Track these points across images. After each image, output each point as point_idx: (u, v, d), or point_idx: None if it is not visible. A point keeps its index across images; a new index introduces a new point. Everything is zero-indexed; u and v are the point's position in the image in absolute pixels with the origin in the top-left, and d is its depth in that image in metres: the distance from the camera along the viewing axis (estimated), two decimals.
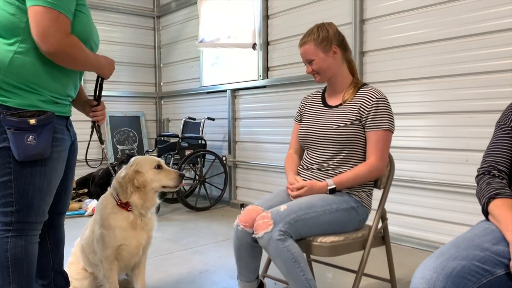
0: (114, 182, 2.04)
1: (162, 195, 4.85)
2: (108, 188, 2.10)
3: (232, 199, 5.00)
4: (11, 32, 1.54)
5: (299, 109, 2.21)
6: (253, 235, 1.79)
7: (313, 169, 2.01)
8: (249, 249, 1.90)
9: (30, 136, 1.54)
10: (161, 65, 6.26)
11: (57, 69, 1.63)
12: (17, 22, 1.53)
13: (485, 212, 1.39)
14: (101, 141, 2.04)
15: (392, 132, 1.95)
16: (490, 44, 2.93)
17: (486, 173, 1.47)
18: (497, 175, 1.45)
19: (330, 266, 2.34)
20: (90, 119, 1.97)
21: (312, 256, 2.30)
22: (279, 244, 1.70)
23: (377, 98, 1.92)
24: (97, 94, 1.93)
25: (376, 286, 2.51)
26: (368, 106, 1.91)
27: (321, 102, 2.10)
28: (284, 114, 4.37)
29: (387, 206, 1.99)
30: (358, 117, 1.93)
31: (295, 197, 1.92)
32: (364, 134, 1.94)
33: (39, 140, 1.57)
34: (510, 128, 1.49)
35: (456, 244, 1.24)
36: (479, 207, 2.92)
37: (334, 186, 1.89)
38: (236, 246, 1.93)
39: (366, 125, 1.92)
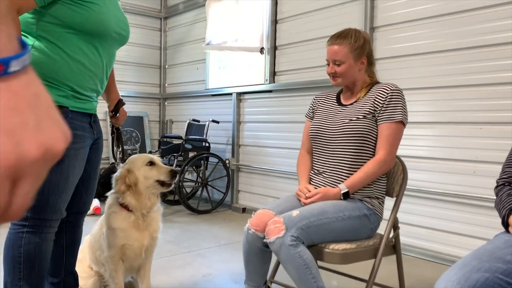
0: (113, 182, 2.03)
1: (163, 197, 4.82)
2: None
3: (234, 203, 4.97)
4: (24, 28, 1.52)
5: (311, 105, 2.20)
6: (265, 240, 1.76)
7: (325, 173, 1.99)
8: (259, 253, 1.87)
9: None
10: (166, 66, 6.24)
11: (76, 63, 1.59)
12: (27, 17, 1.51)
13: (506, 224, 1.37)
14: (120, 144, 2.03)
15: (405, 125, 1.92)
16: (499, 56, 2.92)
17: (506, 184, 1.46)
18: None
19: (336, 274, 2.31)
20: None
21: (319, 263, 2.27)
22: (291, 250, 1.68)
23: (391, 90, 1.90)
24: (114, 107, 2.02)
25: None
26: (382, 98, 1.90)
27: (335, 101, 2.10)
28: (290, 119, 4.35)
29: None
30: (372, 111, 1.91)
31: (307, 204, 1.89)
32: (376, 129, 1.92)
33: None
34: None
35: (477, 256, 1.22)
36: (487, 219, 2.95)
37: (347, 190, 1.87)
38: (245, 250, 1.90)
39: (379, 117, 1.90)
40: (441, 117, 3.23)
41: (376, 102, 1.91)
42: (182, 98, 5.94)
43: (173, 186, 2.02)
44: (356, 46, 1.94)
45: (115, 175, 1.99)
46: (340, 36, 1.97)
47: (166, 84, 6.26)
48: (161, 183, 1.98)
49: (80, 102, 1.65)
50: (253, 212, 1.94)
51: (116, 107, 2.03)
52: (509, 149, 2.83)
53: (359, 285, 2.42)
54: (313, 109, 2.18)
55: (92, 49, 1.65)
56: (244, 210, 4.83)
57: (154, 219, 2.03)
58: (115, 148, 2.14)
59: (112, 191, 2.05)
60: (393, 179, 2.03)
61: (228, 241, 3.65)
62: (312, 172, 2.08)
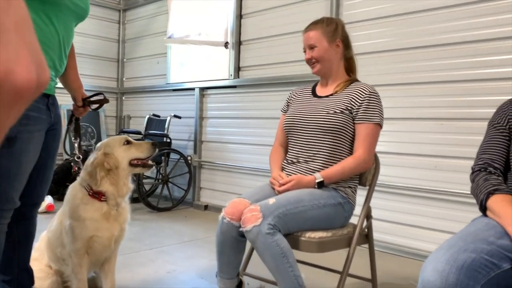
0: (82, 171, 1.90)
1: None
2: (77, 178, 1.96)
3: (195, 200, 4.86)
4: None
5: (287, 100, 2.18)
6: (241, 229, 1.71)
7: (299, 162, 1.96)
8: (233, 243, 1.82)
9: None
10: (125, 59, 6.03)
11: None
12: None
13: (483, 208, 1.39)
14: (77, 136, 1.91)
15: (381, 127, 1.95)
16: (458, 54, 3.03)
17: (482, 169, 1.48)
18: (493, 172, 1.46)
19: (309, 266, 2.29)
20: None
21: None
22: (268, 238, 1.63)
23: (370, 91, 1.92)
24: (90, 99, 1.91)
25: (357, 285, 2.49)
26: (361, 98, 1.90)
27: (311, 93, 2.08)
28: (254, 115, 4.32)
29: (357, 209, 1.98)
30: (349, 108, 1.91)
31: (281, 192, 1.86)
32: (352, 125, 1.92)
33: None
34: (504, 127, 1.52)
35: (462, 237, 1.23)
36: (448, 212, 3.04)
37: (322, 180, 1.85)
38: (219, 241, 1.84)
39: (357, 117, 1.90)
40: (403, 113, 3.31)
41: (353, 100, 1.91)
42: (141, 93, 5.76)
43: (150, 168, 1.95)
44: (329, 29, 1.96)
45: (88, 162, 1.87)
46: (313, 22, 2.02)
47: (124, 78, 6.05)
48: (142, 165, 1.91)
49: None
50: (223, 208, 1.87)
51: (101, 103, 1.94)
52: (469, 144, 2.97)
53: (330, 276, 2.42)
54: (288, 102, 2.16)
55: (45, 19, 1.49)
56: (206, 207, 4.73)
57: (125, 209, 1.93)
58: (72, 139, 2.01)
59: (78, 180, 1.92)
60: None
61: (192, 237, 3.56)
62: (285, 161, 2.05)
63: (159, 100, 5.48)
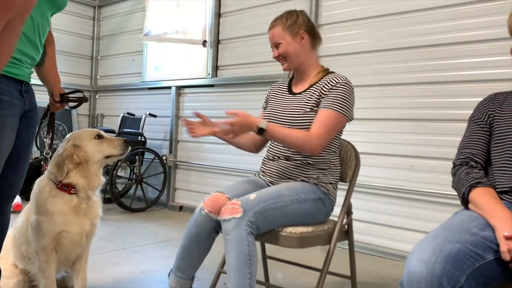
0: (50, 163, 1.83)
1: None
2: (45, 172, 1.87)
3: (170, 201, 4.77)
4: None
5: (266, 96, 2.14)
6: (219, 218, 1.66)
7: (280, 159, 1.93)
8: (203, 238, 1.77)
9: None
10: (99, 57, 5.89)
11: None
12: None
13: (465, 201, 1.40)
14: (51, 130, 1.86)
15: (345, 119, 1.84)
16: (434, 56, 3.08)
17: (464, 163, 1.49)
18: (474, 166, 1.47)
19: (288, 264, 2.26)
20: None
21: (273, 249, 2.20)
22: (243, 234, 1.59)
23: (337, 82, 1.84)
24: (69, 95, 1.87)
25: (335, 283, 2.48)
26: (327, 88, 1.85)
27: (286, 90, 2.04)
28: None
29: (336, 210, 1.96)
30: (318, 103, 1.86)
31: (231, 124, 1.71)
32: None
33: None
34: (484, 123, 1.53)
35: (447, 228, 1.22)
36: (424, 212, 3.07)
37: (264, 127, 1.72)
38: (189, 233, 1.78)
39: (320, 105, 1.84)
40: (379, 114, 3.34)
41: (322, 91, 1.86)
42: (116, 91, 5.63)
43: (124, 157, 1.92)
44: (289, 23, 1.91)
45: (57, 153, 1.79)
46: (274, 19, 1.97)
47: (98, 76, 5.90)
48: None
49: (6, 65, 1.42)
50: (202, 199, 1.82)
51: (80, 101, 1.91)
52: (445, 144, 3.01)
53: (306, 274, 2.40)
54: (267, 99, 2.12)
55: None
56: (181, 208, 4.65)
57: (95, 203, 1.85)
58: (43, 135, 1.93)
59: (45, 174, 1.84)
60: (346, 164, 2.03)
61: (166, 238, 3.47)
62: (265, 157, 2.02)
63: (134, 98, 5.36)
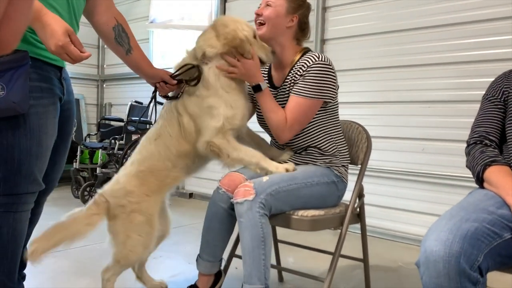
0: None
1: (101, 184, 4.52)
2: None
3: (180, 188, 4.78)
4: None
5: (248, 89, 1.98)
6: (232, 200, 1.66)
7: (288, 147, 1.93)
8: (224, 217, 1.77)
9: None
10: (105, 46, 5.87)
11: None
12: None
13: (480, 180, 1.37)
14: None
15: (320, 100, 1.76)
16: (447, 36, 3.02)
17: (478, 142, 1.46)
18: (489, 144, 1.44)
19: (298, 247, 2.25)
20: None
21: (285, 232, 2.20)
22: (256, 217, 1.59)
23: (309, 64, 1.75)
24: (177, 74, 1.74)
25: (348, 267, 2.47)
26: (299, 74, 1.77)
27: (267, 82, 1.92)
28: None
29: (347, 193, 1.94)
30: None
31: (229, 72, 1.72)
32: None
33: (9, 90, 1.22)
34: (499, 100, 1.50)
35: (463, 207, 1.20)
36: (436, 195, 3.03)
37: (262, 88, 1.74)
38: (210, 213, 1.79)
39: (291, 90, 1.78)
40: (389, 97, 3.29)
41: (294, 79, 1.78)
42: (123, 80, 5.62)
43: None
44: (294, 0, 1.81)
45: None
46: None
47: (104, 65, 5.90)
48: None
49: (42, 49, 1.34)
50: (218, 180, 1.81)
51: (198, 77, 1.73)
52: (456, 126, 2.97)
53: (317, 258, 2.40)
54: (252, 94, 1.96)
55: None
56: (191, 195, 4.67)
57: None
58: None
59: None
60: (357, 147, 2.01)
61: (177, 224, 3.48)
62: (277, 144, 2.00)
63: (141, 87, 5.34)
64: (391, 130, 3.28)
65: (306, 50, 1.86)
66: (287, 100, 1.81)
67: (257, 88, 1.75)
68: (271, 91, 1.86)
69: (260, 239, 1.60)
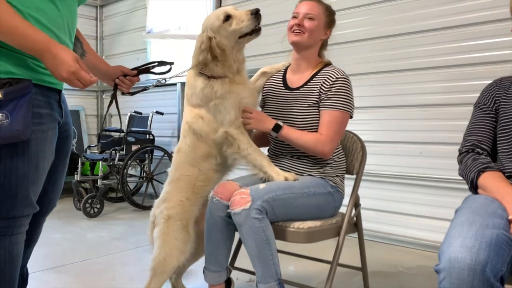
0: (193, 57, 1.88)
1: (105, 194, 4.55)
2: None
3: None
4: None
5: (261, 94, 2.10)
6: (229, 210, 1.67)
7: (284, 156, 1.94)
8: (223, 228, 1.77)
9: (0, 115, 1.24)
10: (103, 56, 5.90)
11: (32, 21, 1.30)
12: None
13: (475, 186, 1.38)
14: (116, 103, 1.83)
15: (349, 114, 1.87)
16: (439, 40, 3.03)
17: (470, 151, 1.47)
18: (481, 153, 1.45)
19: (297, 257, 2.26)
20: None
21: (280, 244, 2.21)
22: (255, 223, 1.60)
23: (336, 77, 1.84)
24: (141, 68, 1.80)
25: (347, 274, 2.47)
26: (327, 86, 1.84)
27: (281, 84, 2.00)
28: None
29: (347, 198, 1.95)
30: (317, 99, 1.85)
31: (244, 118, 1.84)
32: None
33: (13, 119, 1.24)
34: (490, 109, 1.50)
35: (476, 211, 1.19)
36: (434, 198, 3.03)
37: (281, 124, 1.83)
38: (208, 225, 1.79)
39: (321, 105, 1.84)
40: (386, 101, 3.30)
41: (321, 89, 1.85)
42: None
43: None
44: (329, 12, 1.94)
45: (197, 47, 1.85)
46: None
47: (101, 81, 5.91)
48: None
49: (43, 74, 1.37)
50: (211, 191, 1.82)
51: (169, 63, 1.86)
52: (453, 129, 2.97)
53: (317, 266, 2.40)
54: (264, 97, 2.07)
55: (49, 4, 1.36)
56: None
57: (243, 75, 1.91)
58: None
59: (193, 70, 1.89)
60: (352, 156, 2.02)
61: None
62: (271, 152, 2.02)
63: (140, 97, 5.33)
64: (389, 134, 3.29)
65: (329, 63, 1.98)
66: (306, 102, 1.87)
67: (276, 128, 1.82)
68: (286, 93, 1.96)
69: (264, 242, 1.63)
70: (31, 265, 1.69)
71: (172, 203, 1.88)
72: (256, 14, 1.76)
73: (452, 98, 2.99)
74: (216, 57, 1.77)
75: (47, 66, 1.32)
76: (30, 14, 1.31)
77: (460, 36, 2.95)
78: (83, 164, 4.52)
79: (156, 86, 2.08)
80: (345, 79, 1.86)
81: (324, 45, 2.01)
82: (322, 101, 1.84)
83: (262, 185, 1.70)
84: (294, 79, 1.97)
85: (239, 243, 2.09)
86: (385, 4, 3.27)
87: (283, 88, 1.98)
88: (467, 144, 1.49)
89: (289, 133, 1.83)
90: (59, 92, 1.49)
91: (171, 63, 1.87)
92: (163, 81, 1.98)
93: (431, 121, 3.09)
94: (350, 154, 2.02)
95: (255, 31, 1.79)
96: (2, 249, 1.35)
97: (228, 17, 1.77)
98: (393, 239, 3.24)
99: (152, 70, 1.86)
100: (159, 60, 1.88)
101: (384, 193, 3.31)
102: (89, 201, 4.14)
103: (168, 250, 1.84)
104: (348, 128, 1.96)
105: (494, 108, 1.50)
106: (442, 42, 3.03)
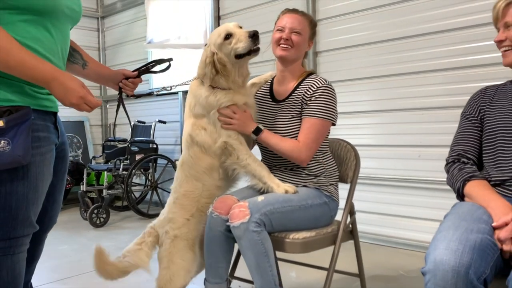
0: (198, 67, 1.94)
1: (111, 203, 4.62)
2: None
3: None
4: None
5: None
6: (228, 223, 1.71)
7: (276, 168, 1.99)
8: (222, 241, 1.80)
9: (2, 142, 1.29)
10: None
11: (31, 49, 1.35)
12: None
13: (461, 195, 1.42)
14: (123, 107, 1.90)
15: (330, 123, 1.89)
16: (433, 44, 3.06)
17: (456, 160, 1.51)
18: (466, 162, 1.48)
19: (296, 264, 2.31)
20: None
21: (279, 254, 2.25)
22: (254, 236, 1.65)
23: (317, 86, 1.87)
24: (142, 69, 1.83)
25: (344, 281, 2.51)
26: (308, 95, 1.87)
27: (269, 96, 2.05)
28: None
29: (342, 203, 1.99)
30: (300, 110, 1.90)
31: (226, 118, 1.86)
32: None
33: (14, 145, 1.30)
34: (475, 118, 1.54)
35: (462, 217, 1.24)
36: (433, 201, 3.06)
37: (261, 128, 1.87)
38: (208, 238, 1.83)
39: (303, 112, 1.88)
40: (384, 105, 3.34)
41: (304, 98, 1.89)
42: (125, 100, 5.70)
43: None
44: (313, 25, 1.98)
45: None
46: (300, 11, 1.98)
47: (107, 86, 6.00)
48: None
49: (40, 99, 1.43)
50: (210, 206, 1.87)
51: (168, 60, 1.90)
52: (451, 132, 2.97)
53: (319, 273, 2.44)
54: None
55: (44, 32, 1.41)
56: None
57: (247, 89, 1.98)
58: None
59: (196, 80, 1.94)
60: (346, 165, 2.06)
61: None
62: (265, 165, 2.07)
63: (143, 106, 5.45)
64: (387, 138, 3.33)
65: (312, 72, 2.01)
66: (290, 113, 1.90)
67: (257, 131, 1.86)
68: (273, 105, 1.99)
69: (263, 254, 1.68)
70: (38, 278, 1.75)
71: (178, 223, 1.90)
72: (253, 36, 1.79)
73: (450, 101, 3.01)
74: (219, 71, 1.82)
75: (54, 94, 1.38)
76: (27, 44, 1.35)
77: (458, 38, 2.98)
78: (88, 174, 4.60)
79: (160, 94, 2.13)
80: (327, 87, 1.88)
81: (305, 54, 2.05)
82: (304, 109, 1.88)
83: (260, 198, 1.74)
84: (281, 90, 2.01)
85: (239, 253, 2.13)
86: (383, 9, 3.31)
87: (270, 100, 2.03)
88: (453, 154, 1.53)
89: (269, 137, 1.86)
90: (55, 114, 1.54)
91: (169, 59, 1.91)
92: (169, 88, 2.02)
93: (430, 124, 3.12)
94: (344, 163, 2.06)
95: (252, 52, 1.83)
96: (5, 268, 1.40)
97: (228, 36, 1.81)
98: (393, 242, 3.27)
99: (152, 69, 1.89)
100: (157, 58, 1.93)
101: (383, 196, 3.34)
102: (95, 211, 4.22)
103: (174, 270, 1.86)
104: (346, 132, 2.00)
105: (479, 117, 1.53)
106: (440, 45, 3.06)
